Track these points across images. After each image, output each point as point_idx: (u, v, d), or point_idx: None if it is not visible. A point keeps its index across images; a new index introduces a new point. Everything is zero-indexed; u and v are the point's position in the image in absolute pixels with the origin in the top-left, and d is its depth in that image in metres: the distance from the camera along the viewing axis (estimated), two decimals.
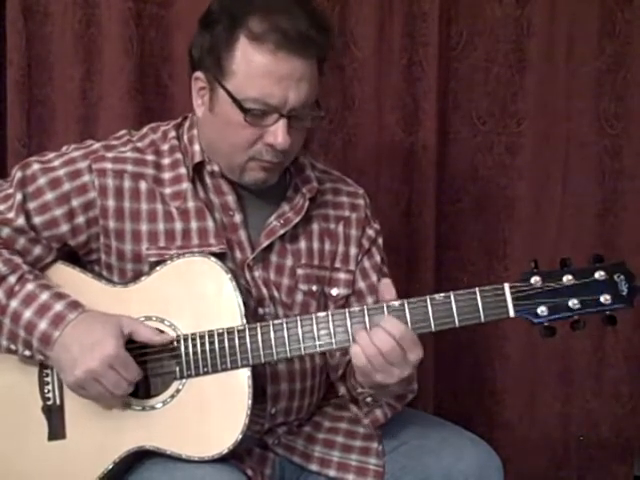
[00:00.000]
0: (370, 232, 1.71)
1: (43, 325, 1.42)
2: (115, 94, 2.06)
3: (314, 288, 1.63)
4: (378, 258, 1.70)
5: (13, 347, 1.46)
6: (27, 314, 1.43)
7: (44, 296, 1.45)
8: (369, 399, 1.53)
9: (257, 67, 1.45)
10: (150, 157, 1.57)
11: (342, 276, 1.66)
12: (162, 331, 1.47)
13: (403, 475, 1.58)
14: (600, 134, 2.31)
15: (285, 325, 1.44)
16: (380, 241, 1.72)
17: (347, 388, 1.61)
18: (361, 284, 1.67)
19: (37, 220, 1.50)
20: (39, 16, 2.05)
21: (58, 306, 1.44)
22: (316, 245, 1.65)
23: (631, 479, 2.43)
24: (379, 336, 1.37)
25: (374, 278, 1.66)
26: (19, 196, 1.50)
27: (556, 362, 2.38)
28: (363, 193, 1.74)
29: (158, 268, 1.50)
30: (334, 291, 1.65)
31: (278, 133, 1.48)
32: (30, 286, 1.45)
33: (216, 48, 1.48)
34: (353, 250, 1.68)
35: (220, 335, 1.44)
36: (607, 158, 2.32)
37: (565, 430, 2.42)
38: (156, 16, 2.11)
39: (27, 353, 1.46)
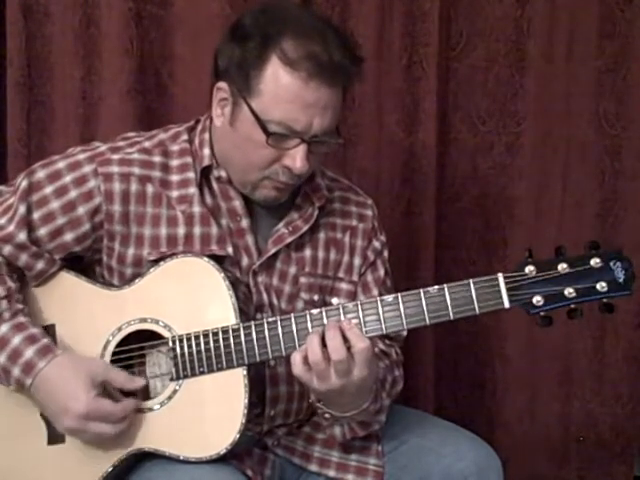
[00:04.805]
0: (376, 244, 1.70)
1: (16, 372, 1.43)
2: (115, 94, 2.06)
3: (315, 297, 1.62)
4: (382, 272, 1.69)
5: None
6: (1, 359, 1.43)
7: (16, 340, 1.43)
8: (327, 415, 1.48)
9: (286, 91, 1.43)
10: (157, 158, 1.55)
11: (344, 286, 1.66)
12: (158, 333, 1.47)
13: (403, 475, 1.58)
14: (600, 134, 2.31)
15: (279, 323, 1.43)
16: (386, 253, 1.71)
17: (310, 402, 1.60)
18: (362, 298, 1.65)
19: (42, 231, 1.49)
20: (39, 16, 2.05)
21: (29, 352, 1.42)
22: (321, 254, 1.64)
23: (631, 479, 2.43)
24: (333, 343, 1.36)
25: (375, 292, 1.65)
26: (22, 208, 1.48)
27: (556, 362, 2.38)
28: (372, 203, 1.73)
29: (152, 270, 1.49)
30: (335, 300, 1.62)
31: (297, 158, 1.47)
32: (4, 328, 1.44)
33: (245, 64, 1.46)
34: (357, 261, 1.67)
35: (215, 334, 1.44)
36: (607, 158, 2.32)
37: (565, 430, 2.42)
38: (156, 16, 2.10)
39: (12, 389, 1.47)
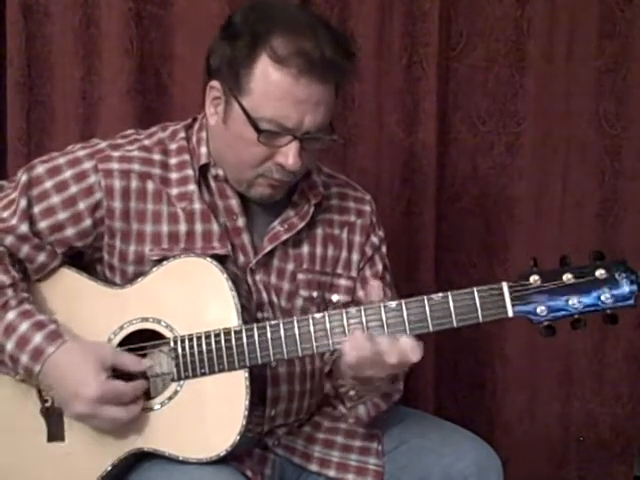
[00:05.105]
0: (374, 239, 1.70)
1: (24, 358, 1.43)
2: (115, 94, 2.06)
3: (314, 294, 1.62)
4: (380, 266, 1.69)
5: (5, 370, 1.48)
6: (9, 346, 1.43)
7: (23, 327, 1.43)
8: (352, 393, 1.51)
9: (276, 88, 1.43)
10: (157, 156, 1.56)
11: (343, 282, 1.65)
12: (160, 333, 1.47)
13: (403, 475, 1.58)
14: (600, 134, 2.31)
15: (282, 326, 1.43)
16: (384, 249, 1.71)
17: (332, 385, 1.60)
18: (360, 293, 1.65)
19: (42, 224, 1.49)
20: (39, 16, 2.05)
21: (37, 338, 1.43)
22: (319, 250, 1.64)
23: (631, 479, 2.43)
24: (382, 341, 1.36)
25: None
26: (23, 202, 1.49)
27: (556, 362, 2.38)
28: (370, 199, 1.73)
29: (155, 269, 1.49)
30: (334, 297, 1.64)
31: (290, 155, 1.47)
32: (11, 315, 1.44)
33: (236, 63, 1.46)
34: (355, 256, 1.67)
35: (217, 336, 1.44)
36: (607, 158, 2.32)
37: (565, 430, 2.42)
38: (156, 16, 2.10)
39: (19, 378, 1.47)
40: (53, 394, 1.46)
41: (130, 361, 1.46)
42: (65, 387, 1.42)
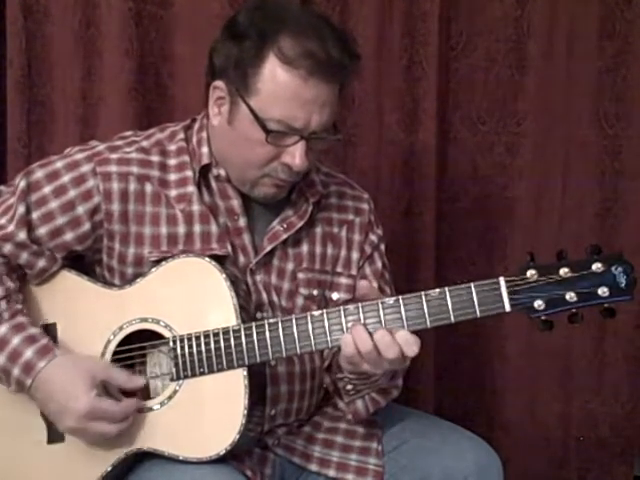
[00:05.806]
0: (373, 237, 1.70)
1: (16, 372, 1.43)
2: (115, 94, 2.06)
3: (315, 292, 1.62)
4: (379, 264, 1.69)
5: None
6: (1, 360, 1.43)
7: (15, 341, 1.43)
8: (349, 387, 1.51)
9: (285, 89, 1.43)
10: (155, 158, 1.55)
11: (343, 281, 1.66)
12: (159, 333, 1.47)
13: (403, 475, 1.58)
14: (600, 134, 2.31)
15: (280, 324, 1.43)
16: (383, 247, 1.71)
17: (332, 380, 1.60)
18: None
19: (41, 230, 1.49)
20: (39, 16, 2.05)
21: (28, 353, 1.42)
22: (318, 249, 1.64)
23: (631, 479, 2.43)
24: (378, 333, 1.37)
25: (374, 285, 1.64)
26: (22, 208, 1.48)
27: (556, 362, 2.38)
28: (368, 198, 1.73)
29: (154, 269, 1.49)
30: (335, 295, 1.64)
31: (297, 155, 1.47)
32: (3, 329, 1.44)
33: (243, 63, 1.46)
34: (355, 255, 1.67)
35: (215, 335, 1.44)
36: (607, 158, 2.32)
37: (565, 430, 2.41)
38: (156, 16, 2.10)
39: (12, 390, 1.47)
40: (45, 408, 1.45)
41: (122, 377, 1.45)
42: (56, 401, 1.42)
